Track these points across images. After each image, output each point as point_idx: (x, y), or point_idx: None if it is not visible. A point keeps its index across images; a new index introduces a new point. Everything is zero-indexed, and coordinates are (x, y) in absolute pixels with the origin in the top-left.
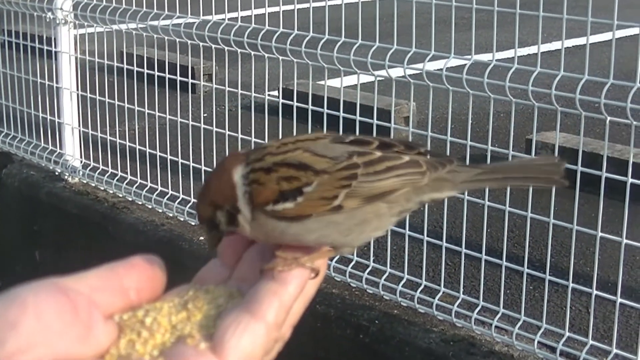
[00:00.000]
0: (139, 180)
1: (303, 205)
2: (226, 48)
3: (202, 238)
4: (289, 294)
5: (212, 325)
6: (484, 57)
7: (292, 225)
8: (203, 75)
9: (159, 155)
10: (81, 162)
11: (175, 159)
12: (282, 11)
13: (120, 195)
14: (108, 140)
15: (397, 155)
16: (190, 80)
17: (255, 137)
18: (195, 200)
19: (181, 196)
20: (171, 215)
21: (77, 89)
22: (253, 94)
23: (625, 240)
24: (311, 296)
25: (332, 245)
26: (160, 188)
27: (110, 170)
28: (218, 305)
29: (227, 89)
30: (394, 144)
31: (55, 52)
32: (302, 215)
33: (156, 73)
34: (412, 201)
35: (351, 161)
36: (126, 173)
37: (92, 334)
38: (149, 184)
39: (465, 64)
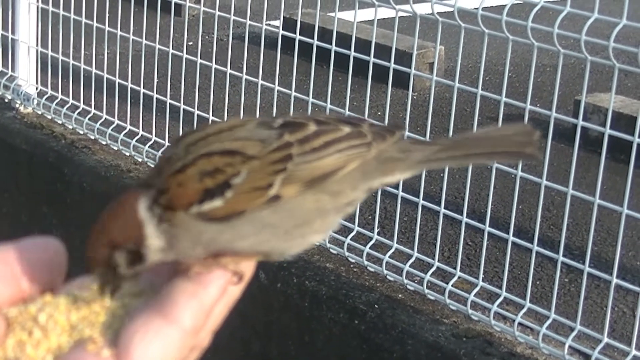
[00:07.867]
0: (105, 116)
1: (233, 200)
2: None
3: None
4: (209, 296)
5: (118, 328)
6: None
7: (225, 230)
8: None
9: (131, 88)
10: (37, 88)
11: (150, 93)
12: None
13: (81, 132)
14: (71, 65)
15: (336, 128)
16: (175, 0)
17: (247, 74)
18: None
19: (154, 138)
20: (140, 160)
21: (37, 1)
22: (248, 22)
23: None
24: (236, 297)
25: (270, 253)
26: (129, 127)
27: (71, 101)
28: (126, 304)
29: (218, 13)
30: (331, 122)
31: None
32: (234, 212)
33: None
34: (358, 189)
35: (283, 140)
36: (90, 106)
37: None
38: (117, 121)
39: (507, 4)
